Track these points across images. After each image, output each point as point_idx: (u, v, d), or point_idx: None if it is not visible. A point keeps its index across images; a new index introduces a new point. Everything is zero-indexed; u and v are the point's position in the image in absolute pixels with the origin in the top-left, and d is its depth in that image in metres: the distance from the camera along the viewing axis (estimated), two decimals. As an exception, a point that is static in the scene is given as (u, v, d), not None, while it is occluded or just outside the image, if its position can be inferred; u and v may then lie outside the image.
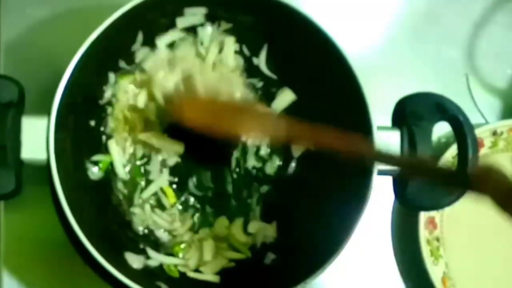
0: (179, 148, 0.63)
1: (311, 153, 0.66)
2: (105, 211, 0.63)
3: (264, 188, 0.67)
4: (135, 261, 0.59)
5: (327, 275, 0.54)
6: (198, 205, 0.65)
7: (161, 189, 0.65)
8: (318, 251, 0.56)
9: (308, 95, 0.66)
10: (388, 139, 0.57)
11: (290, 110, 0.67)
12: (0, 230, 0.64)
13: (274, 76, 0.66)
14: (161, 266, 0.62)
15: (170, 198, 0.64)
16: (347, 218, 0.55)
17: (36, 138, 0.53)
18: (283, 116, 0.63)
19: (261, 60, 0.66)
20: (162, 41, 0.63)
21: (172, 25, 0.62)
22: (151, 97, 0.62)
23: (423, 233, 0.67)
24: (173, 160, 0.64)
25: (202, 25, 0.63)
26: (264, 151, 0.67)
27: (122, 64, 0.62)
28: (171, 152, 0.64)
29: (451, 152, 0.67)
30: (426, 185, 0.57)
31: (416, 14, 0.76)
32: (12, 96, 0.54)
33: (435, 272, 0.67)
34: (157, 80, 0.60)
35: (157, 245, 0.63)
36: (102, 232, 0.59)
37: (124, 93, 0.62)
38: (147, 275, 0.60)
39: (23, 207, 0.64)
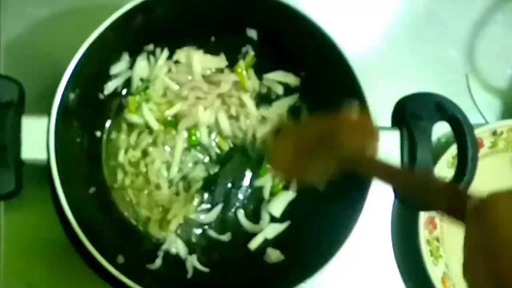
0: None
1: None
2: (105, 210, 0.63)
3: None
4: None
5: (327, 275, 0.53)
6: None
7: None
8: (318, 250, 0.56)
9: (308, 95, 0.66)
10: (388, 139, 0.57)
11: (290, 110, 0.68)
12: (0, 230, 0.64)
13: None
14: (161, 266, 0.62)
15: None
16: (346, 218, 0.55)
17: (36, 138, 0.53)
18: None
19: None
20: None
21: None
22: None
23: (423, 233, 0.67)
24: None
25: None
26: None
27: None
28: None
29: (451, 152, 0.67)
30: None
31: (416, 14, 0.76)
32: (12, 96, 0.54)
33: (435, 272, 0.67)
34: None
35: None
36: (102, 231, 0.59)
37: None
38: (147, 274, 0.60)
39: (23, 207, 0.63)
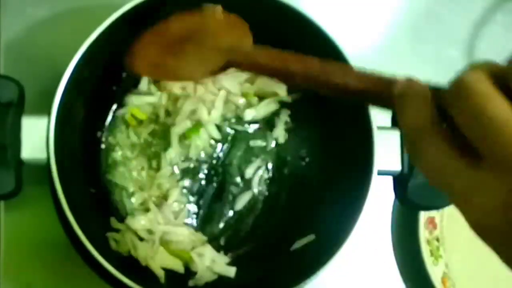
0: None
1: (313, 152, 0.66)
2: (106, 210, 0.63)
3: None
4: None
5: (327, 275, 0.53)
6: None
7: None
8: (317, 250, 0.56)
9: (307, 95, 0.66)
10: (388, 139, 0.57)
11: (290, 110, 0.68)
12: (0, 230, 0.64)
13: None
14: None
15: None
16: (346, 218, 0.55)
17: (36, 138, 0.53)
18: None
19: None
20: None
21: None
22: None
23: (423, 233, 0.67)
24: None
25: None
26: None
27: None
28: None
29: (451, 152, 0.67)
30: (426, 184, 0.57)
31: (416, 14, 0.77)
32: (12, 96, 0.54)
33: (435, 272, 0.67)
34: None
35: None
36: (102, 232, 0.59)
37: None
38: (148, 274, 0.60)
39: (23, 207, 0.63)
